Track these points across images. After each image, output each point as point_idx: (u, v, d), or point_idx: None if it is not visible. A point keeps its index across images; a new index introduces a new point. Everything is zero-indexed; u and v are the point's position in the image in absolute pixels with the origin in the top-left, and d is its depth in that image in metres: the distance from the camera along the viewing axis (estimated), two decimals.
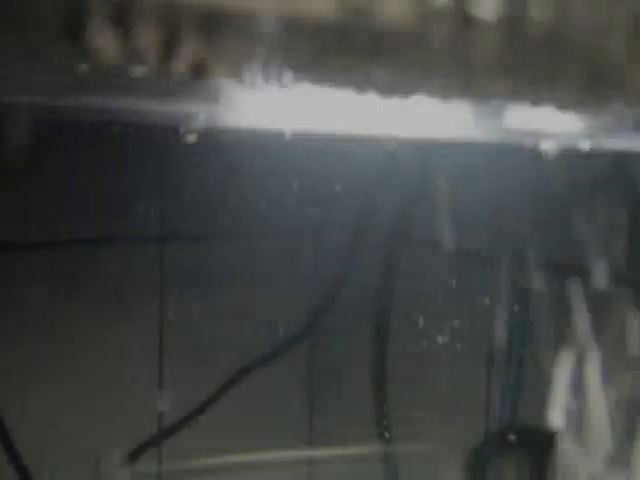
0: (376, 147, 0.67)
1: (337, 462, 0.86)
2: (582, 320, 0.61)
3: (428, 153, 0.74)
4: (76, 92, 0.42)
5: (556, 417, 0.60)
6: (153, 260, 0.87)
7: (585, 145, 0.47)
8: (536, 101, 0.43)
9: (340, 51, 0.39)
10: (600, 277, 0.60)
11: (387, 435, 0.81)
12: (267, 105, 0.46)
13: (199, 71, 0.39)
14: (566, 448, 0.59)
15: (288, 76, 0.40)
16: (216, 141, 0.54)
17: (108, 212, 0.84)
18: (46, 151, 0.80)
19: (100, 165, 0.83)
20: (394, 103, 0.45)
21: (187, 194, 0.87)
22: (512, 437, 0.62)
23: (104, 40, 0.32)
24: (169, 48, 0.39)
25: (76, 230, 0.84)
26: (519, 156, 0.57)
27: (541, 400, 0.65)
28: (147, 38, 0.34)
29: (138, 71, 0.40)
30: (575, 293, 0.61)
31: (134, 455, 0.85)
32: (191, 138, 0.47)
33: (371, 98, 0.45)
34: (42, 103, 0.44)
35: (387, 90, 0.38)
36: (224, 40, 0.36)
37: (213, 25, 0.33)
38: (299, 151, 0.74)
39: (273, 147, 0.74)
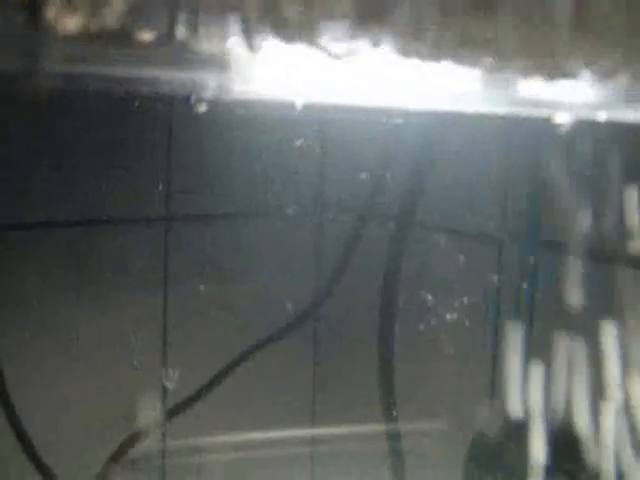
0: (384, 122, 0.67)
1: (341, 441, 0.86)
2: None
3: (437, 128, 0.73)
4: (71, 59, 0.41)
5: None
6: (158, 240, 0.87)
7: (601, 116, 0.46)
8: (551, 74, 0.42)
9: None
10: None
11: (393, 413, 0.81)
12: (275, 75, 0.45)
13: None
14: None
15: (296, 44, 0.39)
16: (224, 113, 0.53)
17: (113, 192, 0.83)
18: (47, 127, 0.79)
19: (101, 143, 0.82)
20: (401, 73, 0.45)
21: (193, 173, 0.87)
22: (520, 417, 0.62)
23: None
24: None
25: (81, 210, 0.83)
26: (532, 129, 0.56)
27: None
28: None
29: (146, 37, 0.39)
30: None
31: (139, 434, 0.84)
32: (202, 107, 0.46)
33: (379, 68, 0.44)
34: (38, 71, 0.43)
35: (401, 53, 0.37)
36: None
37: None
38: (307, 127, 0.74)
39: (279, 122, 0.73)
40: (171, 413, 0.86)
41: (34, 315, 0.81)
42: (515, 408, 0.63)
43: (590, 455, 0.59)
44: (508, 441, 0.65)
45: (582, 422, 0.59)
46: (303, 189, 0.92)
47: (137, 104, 0.63)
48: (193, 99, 0.44)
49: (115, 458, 0.82)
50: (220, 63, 0.43)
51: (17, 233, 0.80)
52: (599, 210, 0.59)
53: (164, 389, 0.87)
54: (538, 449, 0.61)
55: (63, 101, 0.74)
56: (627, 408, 0.59)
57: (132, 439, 0.83)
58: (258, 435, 0.86)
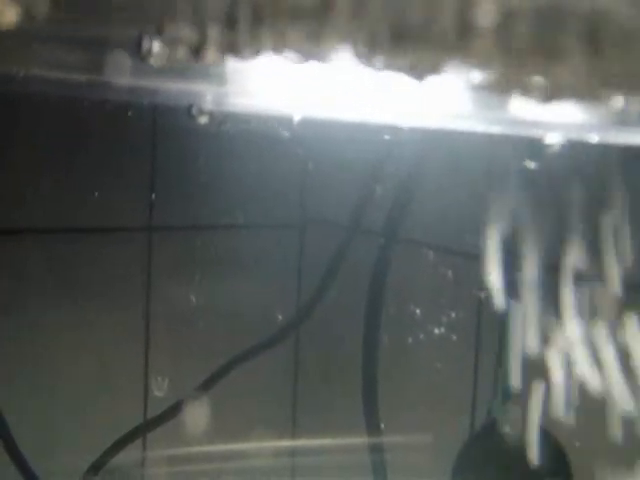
0: (375, 137, 0.67)
1: (322, 453, 0.86)
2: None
3: (426, 145, 0.74)
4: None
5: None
6: (141, 250, 0.86)
7: (593, 138, 0.46)
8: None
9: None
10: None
11: (377, 426, 0.81)
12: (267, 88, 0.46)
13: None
14: None
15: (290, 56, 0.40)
16: (209, 125, 0.53)
17: (96, 201, 0.83)
18: (31, 133, 0.79)
19: (85, 151, 0.82)
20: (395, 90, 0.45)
21: (177, 183, 0.87)
22: (506, 428, 0.62)
23: None
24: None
25: (65, 219, 0.83)
26: (522, 149, 0.57)
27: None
28: None
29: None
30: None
31: (119, 443, 0.84)
32: (203, 119, 0.46)
33: (377, 85, 0.44)
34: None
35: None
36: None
37: None
38: (295, 141, 0.74)
39: (267, 135, 0.74)
40: (151, 425, 0.86)
41: (13, 322, 0.80)
42: (501, 420, 0.63)
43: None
44: (495, 453, 0.66)
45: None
46: (288, 202, 0.92)
47: (129, 114, 0.63)
48: (194, 110, 0.44)
49: (95, 468, 0.82)
50: (214, 75, 0.43)
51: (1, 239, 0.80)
52: (584, 230, 0.60)
53: (146, 399, 0.87)
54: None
55: (50, 107, 0.74)
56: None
57: (112, 449, 0.83)
58: (238, 446, 0.86)
